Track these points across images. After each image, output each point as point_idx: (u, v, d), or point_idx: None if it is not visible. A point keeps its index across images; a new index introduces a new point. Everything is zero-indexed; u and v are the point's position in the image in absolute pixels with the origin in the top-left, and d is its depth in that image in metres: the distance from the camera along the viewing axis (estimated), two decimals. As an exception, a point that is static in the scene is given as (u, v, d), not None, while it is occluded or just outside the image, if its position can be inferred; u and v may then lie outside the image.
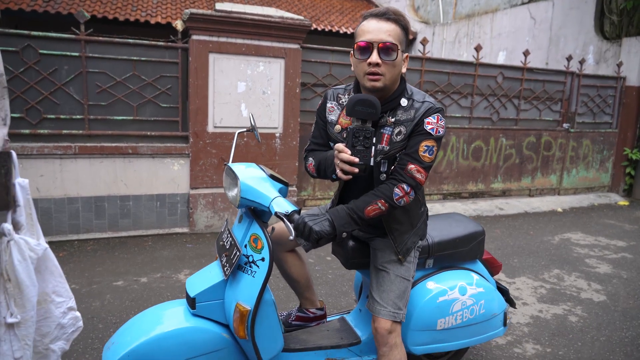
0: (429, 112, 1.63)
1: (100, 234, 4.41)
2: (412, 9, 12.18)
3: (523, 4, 9.34)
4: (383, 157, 1.68)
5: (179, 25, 4.44)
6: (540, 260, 4.37)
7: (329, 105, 1.79)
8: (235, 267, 1.70)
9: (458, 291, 2.06)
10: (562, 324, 3.13)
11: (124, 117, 4.39)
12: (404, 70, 1.66)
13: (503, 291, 2.33)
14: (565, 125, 6.92)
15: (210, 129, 4.61)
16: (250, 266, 1.68)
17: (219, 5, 4.45)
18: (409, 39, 1.66)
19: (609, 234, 5.39)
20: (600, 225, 5.78)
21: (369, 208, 1.61)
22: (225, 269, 1.72)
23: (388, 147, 1.67)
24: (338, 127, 1.75)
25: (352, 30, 10.85)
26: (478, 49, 6.11)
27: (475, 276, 2.17)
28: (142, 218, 4.55)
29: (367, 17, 1.61)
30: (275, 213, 1.57)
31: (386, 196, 1.62)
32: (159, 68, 4.45)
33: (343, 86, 1.81)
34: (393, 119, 1.66)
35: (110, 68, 4.28)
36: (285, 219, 1.54)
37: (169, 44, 4.46)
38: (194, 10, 4.28)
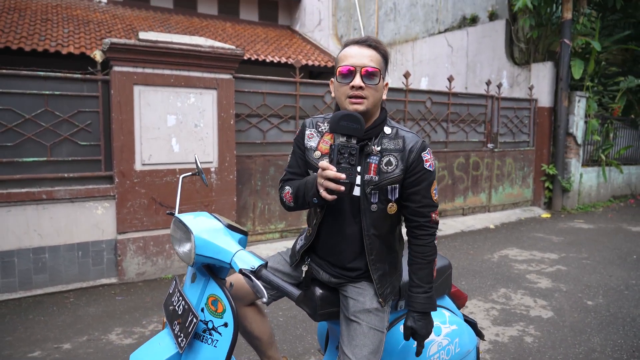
0: (422, 147, 1.64)
1: (8, 295, 3.80)
2: (336, 37, 12.46)
3: (440, 32, 9.90)
4: (373, 187, 1.60)
5: (97, 55, 4.06)
6: (486, 281, 4.43)
7: (307, 132, 1.73)
8: (192, 337, 1.44)
9: (433, 332, 1.93)
10: (520, 347, 3.12)
11: (36, 159, 3.88)
12: (384, 97, 1.66)
13: (471, 324, 2.24)
14: (489, 145, 7.29)
15: (138, 166, 4.21)
16: (211, 334, 1.43)
17: (142, 35, 4.15)
18: (387, 67, 1.66)
19: (541, 247, 5.65)
20: (531, 239, 6.06)
21: (434, 275, 1.71)
22: (179, 339, 1.45)
23: (377, 177, 1.61)
24: (318, 153, 1.69)
25: (278, 59, 10.82)
26: (407, 75, 6.29)
27: (447, 313, 2.05)
28: (62, 271, 4.00)
29: (349, 44, 1.61)
30: (240, 270, 1.35)
31: (435, 254, 1.70)
32: (76, 103, 4.01)
33: (322, 115, 1.77)
34: (379, 148, 1.62)
35: (18, 104, 3.79)
36: (253, 277, 1.32)
37: (88, 76, 4.05)
38: (115, 40, 3.93)
